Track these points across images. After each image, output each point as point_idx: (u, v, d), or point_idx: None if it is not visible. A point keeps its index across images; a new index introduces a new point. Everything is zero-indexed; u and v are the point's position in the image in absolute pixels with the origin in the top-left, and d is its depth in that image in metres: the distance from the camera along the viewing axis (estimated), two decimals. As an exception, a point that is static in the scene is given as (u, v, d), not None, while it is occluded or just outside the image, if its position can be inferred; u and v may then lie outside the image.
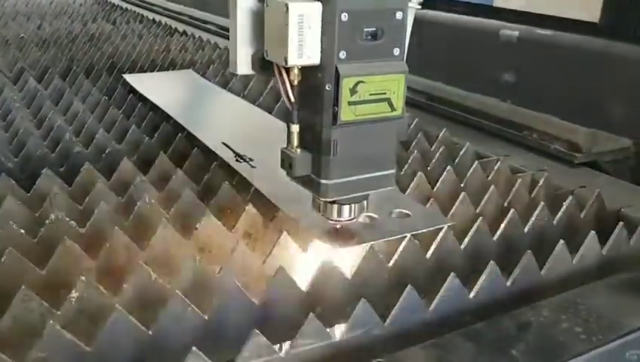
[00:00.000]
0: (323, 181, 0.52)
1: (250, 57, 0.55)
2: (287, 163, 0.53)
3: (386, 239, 0.58)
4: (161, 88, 1.09)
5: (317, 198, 0.55)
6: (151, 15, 2.08)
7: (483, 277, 0.56)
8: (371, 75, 0.50)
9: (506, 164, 0.84)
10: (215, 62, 1.37)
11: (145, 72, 1.27)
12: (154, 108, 1.00)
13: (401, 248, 0.59)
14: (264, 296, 0.52)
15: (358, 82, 0.49)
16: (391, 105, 0.51)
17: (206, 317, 0.50)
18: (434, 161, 0.85)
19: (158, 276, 0.53)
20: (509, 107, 1.03)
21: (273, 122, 0.93)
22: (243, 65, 0.55)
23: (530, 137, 0.95)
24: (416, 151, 0.84)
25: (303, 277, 0.56)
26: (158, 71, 1.29)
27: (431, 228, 0.61)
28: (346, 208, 0.55)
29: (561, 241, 0.61)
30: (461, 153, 0.87)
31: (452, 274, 0.55)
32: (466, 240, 0.63)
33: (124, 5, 2.31)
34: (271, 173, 0.71)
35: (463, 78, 1.15)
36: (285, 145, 0.53)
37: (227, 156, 0.77)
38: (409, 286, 0.52)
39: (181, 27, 1.82)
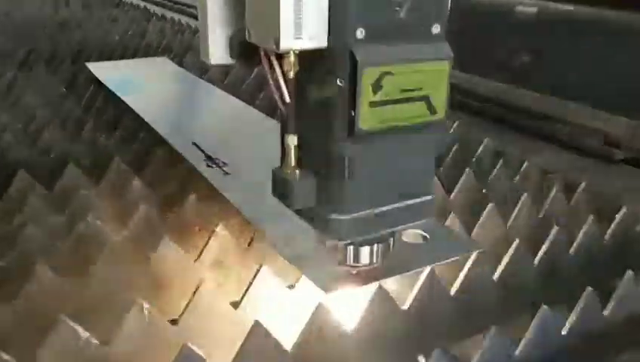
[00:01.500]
0: (334, 216, 0.37)
1: (227, 41, 0.40)
2: (281, 189, 0.38)
3: (399, 275, 0.44)
4: (127, 78, 0.94)
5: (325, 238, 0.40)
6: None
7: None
8: (403, 64, 0.34)
9: (534, 163, 0.70)
10: (194, 47, 1.23)
11: (115, 60, 1.13)
12: (118, 101, 0.85)
13: (419, 284, 0.44)
14: None
15: (384, 74, 0.34)
16: (430, 106, 0.36)
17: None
18: (448, 159, 0.70)
19: (92, 333, 0.39)
20: (528, 94, 0.88)
21: (257, 117, 0.79)
22: (218, 51, 0.40)
23: (559, 130, 0.80)
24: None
25: (290, 330, 0.42)
26: (131, 59, 1.15)
27: (460, 256, 0.46)
28: (365, 251, 0.41)
29: (630, 273, 0.47)
30: (479, 150, 0.72)
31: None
32: (500, 269, 0.49)
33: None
34: (248, 182, 0.57)
35: (474, 62, 1.01)
36: (279, 164, 0.39)
37: (196, 160, 0.63)
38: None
39: (161, 11, 1.67)
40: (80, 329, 0.38)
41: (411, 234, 0.48)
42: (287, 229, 0.47)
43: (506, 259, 0.49)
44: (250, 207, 0.52)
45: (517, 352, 0.41)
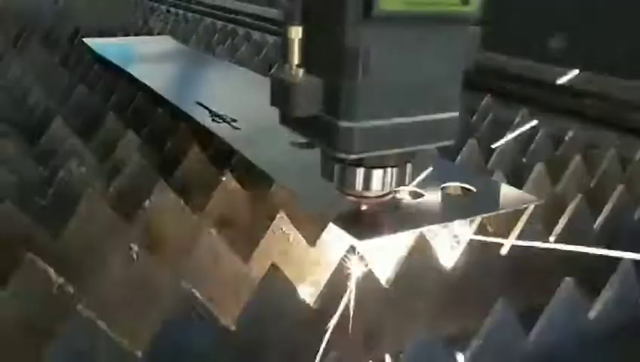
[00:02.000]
0: (344, 123, 0.30)
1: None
2: (281, 94, 0.31)
3: (443, 225, 0.36)
4: (125, 51, 0.88)
5: (331, 156, 0.33)
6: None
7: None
8: None
9: (577, 138, 0.62)
10: (200, 33, 1.17)
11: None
12: (115, 72, 0.78)
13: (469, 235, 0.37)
14: (244, 314, 0.31)
15: None
16: None
17: (139, 355, 0.28)
18: (481, 130, 0.63)
19: (67, 279, 0.32)
20: (560, 71, 0.81)
21: (264, 81, 0.71)
22: None
23: (596, 106, 0.73)
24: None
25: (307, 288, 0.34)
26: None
27: (509, 210, 0.39)
28: (377, 175, 0.33)
29: None
30: (516, 121, 0.65)
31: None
32: (559, 228, 0.41)
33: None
34: (260, 136, 0.50)
35: (499, 42, 0.94)
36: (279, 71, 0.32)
37: (201, 117, 0.55)
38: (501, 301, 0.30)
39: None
40: (52, 273, 0.31)
41: (453, 187, 0.41)
42: (311, 184, 0.40)
43: (566, 216, 0.41)
44: (263, 157, 0.45)
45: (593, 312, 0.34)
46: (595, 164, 0.55)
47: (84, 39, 0.95)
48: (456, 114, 0.33)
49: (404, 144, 0.32)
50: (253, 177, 0.44)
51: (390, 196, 0.35)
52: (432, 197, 0.39)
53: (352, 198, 0.35)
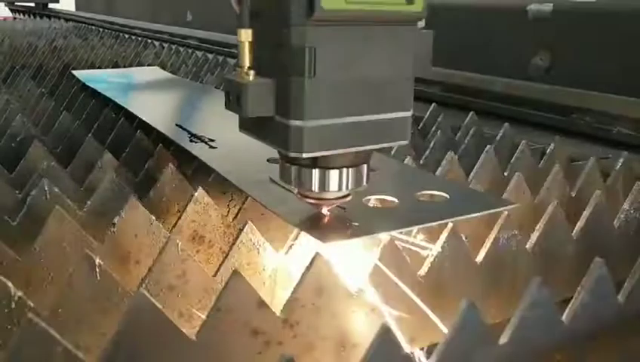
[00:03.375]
0: (294, 123, 0.30)
1: None
2: (234, 95, 0.32)
3: (411, 228, 0.36)
4: (112, 80, 0.88)
5: (286, 158, 0.33)
6: (130, 35, 1.90)
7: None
8: None
9: (559, 151, 0.62)
10: (188, 64, 1.18)
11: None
12: (104, 102, 0.78)
13: (440, 243, 0.36)
14: (206, 324, 0.30)
15: None
16: None
17: (94, 364, 0.27)
18: (462, 147, 0.63)
19: (27, 293, 0.31)
20: (548, 89, 0.82)
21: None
22: None
23: (582, 120, 0.73)
24: (439, 132, 0.62)
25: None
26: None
27: (484, 213, 0.38)
28: (333, 175, 0.33)
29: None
30: (497, 138, 0.65)
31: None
32: (534, 236, 0.41)
33: (103, 30, 2.14)
34: (235, 154, 0.50)
35: (487, 65, 0.95)
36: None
37: (180, 138, 0.55)
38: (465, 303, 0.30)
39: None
40: (11, 286, 0.30)
41: (427, 194, 0.41)
42: (279, 194, 0.40)
43: (540, 226, 0.40)
44: (239, 175, 0.45)
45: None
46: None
47: (73, 71, 0.96)
48: (408, 114, 0.34)
49: (356, 143, 0.32)
50: (224, 191, 0.44)
51: (349, 198, 0.35)
52: (403, 202, 0.39)
53: (310, 201, 0.34)
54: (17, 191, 0.48)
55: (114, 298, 0.32)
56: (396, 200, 0.39)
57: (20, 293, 0.30)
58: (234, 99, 0.31)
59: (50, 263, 0.37)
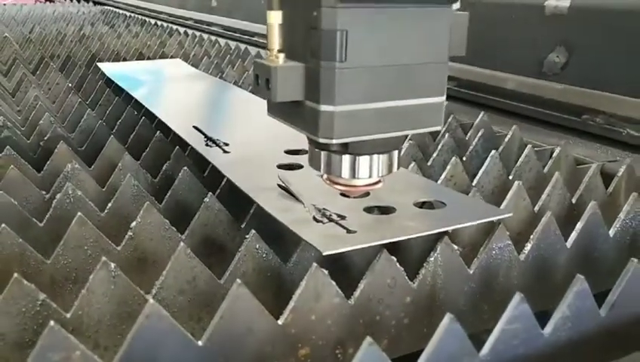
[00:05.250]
0: (324, 108, 0.31)
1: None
2: (262, 79, 0.31)
3: (406, 238, 0.38)
4: (135, 75, 0.91)
5: (316, 143, 0.33)
6: (156, 21, 1.93)
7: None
8: None
9: (566, 153, 0.63)
10: (211, 55, 1.20)
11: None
12: (127, 97, 0.81)
13: (436, 253, 0.38)
14: (214, 330, 0.33)
15: None
16: None
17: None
18: (471, 148, 0.65)
19: (52, 297, 0.34)
20: (561, 88, 0.82)
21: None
22: None
23: (592, 122, 0.74)
24: (447, 135, 0.63)
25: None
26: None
27: (478, 222, 0.40)
28: (364, 161, 0.34)
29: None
30: (506, 140, 0.66)
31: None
32: (528, 246, 0.43)
33: (130, 14, 2.17)
34: (249, 160, 0.52)
35: (501, 61, 0.95)
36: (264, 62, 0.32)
37: (195, 141, 0.58)
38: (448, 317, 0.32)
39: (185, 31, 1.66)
40: (35, 289, 0.33)
41: (425, 202, 0.43)
42: (285, 201, 0.42)
43: (535, 236, 0.42)
44: (249, 182, 0.47)
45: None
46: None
47: (98, 64, 0.99)
48: (441, 99, 0.33)
49: (388, 129, 0.32)
50: (236, 198, 0.47)
51: (380, 185, 0.35)
52: (401, 210, 0.41)
53: (339, 187, 0.36)
54: (44, 192, 0.51)
55: (130, 302, 0.35)
56: (395, 208, 0.41)
57: (43, 296, 0.33)
58: (263, 83, 0.31)
59: (73, 266, 0.40)
